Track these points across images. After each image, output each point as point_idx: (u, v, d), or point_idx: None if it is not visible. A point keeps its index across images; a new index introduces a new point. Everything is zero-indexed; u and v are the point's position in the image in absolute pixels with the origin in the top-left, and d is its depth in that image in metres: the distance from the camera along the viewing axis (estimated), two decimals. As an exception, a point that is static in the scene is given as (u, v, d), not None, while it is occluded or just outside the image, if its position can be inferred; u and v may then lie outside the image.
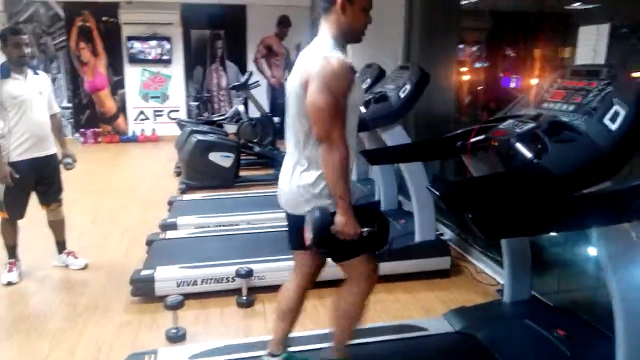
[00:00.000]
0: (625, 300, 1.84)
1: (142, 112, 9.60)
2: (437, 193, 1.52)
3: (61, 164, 3.64)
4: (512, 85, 4.06)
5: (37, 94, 3.40)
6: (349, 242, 1.87)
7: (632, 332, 1.87)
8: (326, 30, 1.94)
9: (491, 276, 3.58)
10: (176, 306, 2.74)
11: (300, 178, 1.95)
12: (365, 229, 1.88)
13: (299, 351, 2.40)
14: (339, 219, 1.84)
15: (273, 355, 2.26)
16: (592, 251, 2.65)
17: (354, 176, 5.16)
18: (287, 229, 2.17)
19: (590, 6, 3.18)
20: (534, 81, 3.60)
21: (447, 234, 4.22)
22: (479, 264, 3.78)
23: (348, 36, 1.95)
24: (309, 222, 1.87)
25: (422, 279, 3.49)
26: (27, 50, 3.32)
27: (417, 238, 3.55)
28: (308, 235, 1.88)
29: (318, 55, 1.85)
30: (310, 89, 1.81)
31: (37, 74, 3.49)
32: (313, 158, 1.92)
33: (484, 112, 4.41)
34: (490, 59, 4.65)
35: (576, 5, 3.33)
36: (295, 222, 2.02)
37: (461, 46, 4.96)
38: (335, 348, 2.21)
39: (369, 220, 1.91)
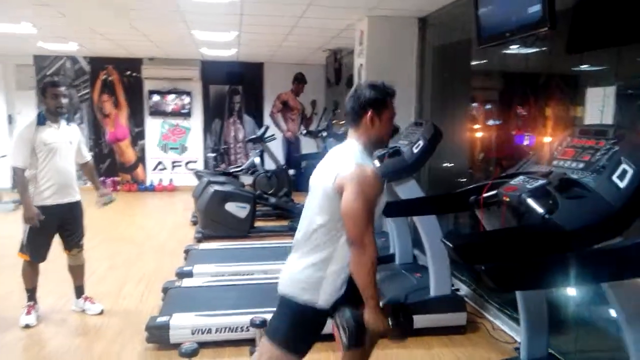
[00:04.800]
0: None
1: (160, 163, 9.84)
2: (450, 245, 1.59)
3: (99, 202, 3.81)
4: (525, 142, 4.15)
5: (67, 143, 3.57)
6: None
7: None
8: (354, 137, 2.07)
9: (508, 334, 3.54)
10: (190, 354, 2.74)
11: (310, 268, 2.01)
12: (391, 322, 1.94)
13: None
14: (369, 317, 1.90)
15: None
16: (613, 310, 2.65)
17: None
18: (277, 315, 2.14)
19: (597, 68, 3.30)
20: (545, 139, 3.69)
21: (463, 289, 4.20)
22: (496, 320, 3.75)
23: (376, 143, 2.11)
24: (341, 325, 1.92)
25: (437, 334, 3.46)
26: (64, 100, 3.52)
27: (432, 292, 3.55)
28: (342, 339, 1.93)
29: (350, 161, 1.95)
30: (345, 194, 1.90)
31: (69, 125, 3.68)
32: (324, 252, 1.99)
33: (497, 167, 4.48)
34: (501, 117, 4.77)
35: (584, 67, 3.46)
36: (291, 309, 2.04)
37: (474, 105, 5.10)
38: None
39: (395, 312, 1.98)
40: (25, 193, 3.39)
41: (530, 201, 1.90)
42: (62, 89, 3.52)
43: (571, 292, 3.10)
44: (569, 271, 1.55)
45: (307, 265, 2.01)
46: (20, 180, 3.39)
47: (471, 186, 2.41)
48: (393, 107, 2.09)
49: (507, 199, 2.09)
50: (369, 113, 2.01)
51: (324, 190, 1.99)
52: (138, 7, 5.10)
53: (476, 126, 4.99)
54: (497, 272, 1.45)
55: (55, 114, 3.52)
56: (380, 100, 2.03)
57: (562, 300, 3.20)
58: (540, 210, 1.82)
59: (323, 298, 1.98)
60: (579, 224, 1.67)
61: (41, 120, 3.47)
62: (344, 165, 1.96)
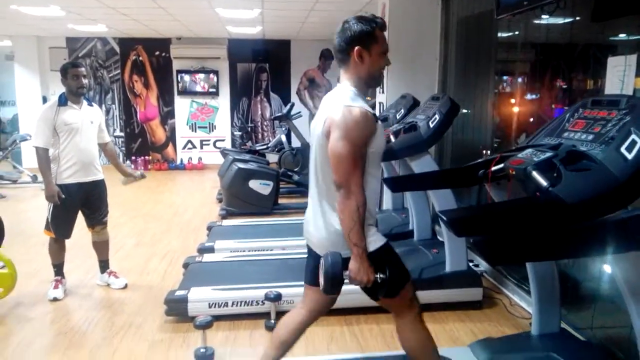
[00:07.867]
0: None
1: (189, 141, 10.01)
2: (445, 218, 1.56)
3: (125, 182, 3.99)
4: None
5: (88, 123, 3.66)
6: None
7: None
8: (346, 79, 1.98)
9: (525, 309, 3.50)
10: (205, 326, 2.82)
11: (333, 224, 1.95)
12: (379, 276, 1.89)
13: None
14: (353, 265, 1.85)
15: None
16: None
17: (389, 205, 5.20)
18: (307, 263, 2.21)
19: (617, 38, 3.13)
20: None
21: (482, 265, 4.15)
22: (514, 296, 3.71)
23: (369, 82, 2.00)
24: (322, 268, 1.88)
25: (453, 309, 3.46)
26: (85, 81, 3.60)
27: (448, 268, 3.52)
28: (321, 282, 1.90)
29: (339, 104, 1.89)
30: (331, 137, 1.85)
31: (91, 105, 3.77)
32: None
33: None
34: (532, 90, 4.59)
35: (622, 36, 3.29)
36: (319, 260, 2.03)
37: (505, 77, 4.92)
38: None
39: (382, 266, 1.91)
40: (47, 172, 3.50)
41: (535, 174, 1.84)
42: (82, 69, 3.60)
43: (588, 265, 3.02)
44: (564, 244, 1.51)
45: (336, 221, 1.93)
46: (42, 160, 3.50)
47: (480, 160, 2.35)
48: (384, 40, 1.97)
49: (513, 172, 2.04)
50: (357, 49, 1.90)
51: (317, 138, 1.96)
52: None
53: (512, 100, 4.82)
54: (487, 245, 1.42)
55: (77, 95, 3.60)
56: (367, 32, 1.90)
57: (578, 273, 3.12)
58: (544, 183, 1.77)
59: (370, 241, 1.91)
60: (581, 196, 1.61)
61: (62, 101, 3.56)
62: (332, 109, 1.90)
